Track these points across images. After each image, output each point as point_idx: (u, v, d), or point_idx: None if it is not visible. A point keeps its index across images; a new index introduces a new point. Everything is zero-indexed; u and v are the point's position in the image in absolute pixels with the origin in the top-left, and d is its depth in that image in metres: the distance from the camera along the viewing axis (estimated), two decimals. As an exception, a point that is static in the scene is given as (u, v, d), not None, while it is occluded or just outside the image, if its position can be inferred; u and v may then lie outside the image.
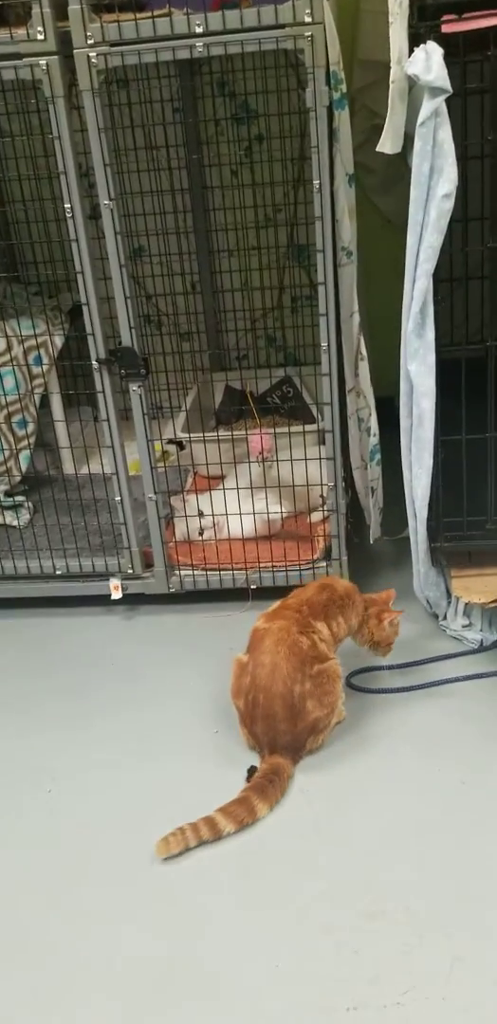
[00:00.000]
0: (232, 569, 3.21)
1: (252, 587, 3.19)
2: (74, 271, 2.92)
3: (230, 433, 3.55)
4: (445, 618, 3.01)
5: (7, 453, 3.61)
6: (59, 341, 3.66)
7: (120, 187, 2.92)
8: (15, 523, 3.59)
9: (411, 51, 2.41)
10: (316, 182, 2.73)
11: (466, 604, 2.92)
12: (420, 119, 2.39)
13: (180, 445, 3.75)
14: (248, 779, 2.51)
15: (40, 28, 2.64)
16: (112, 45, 2.65)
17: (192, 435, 3.59)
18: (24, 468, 3.68)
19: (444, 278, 2.69)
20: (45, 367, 3.64)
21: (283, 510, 3.32)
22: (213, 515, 3.29)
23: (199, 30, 2.60)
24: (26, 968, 2.14)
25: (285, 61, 3.62)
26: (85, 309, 2.95)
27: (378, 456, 3.10)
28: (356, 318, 2.91)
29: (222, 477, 3.43)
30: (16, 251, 4.15)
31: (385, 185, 3.86)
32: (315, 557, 3.20)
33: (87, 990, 2.07)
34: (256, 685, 2.54)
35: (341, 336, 2.93)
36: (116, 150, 2.93)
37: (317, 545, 3.23)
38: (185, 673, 2.99)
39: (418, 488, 2.79)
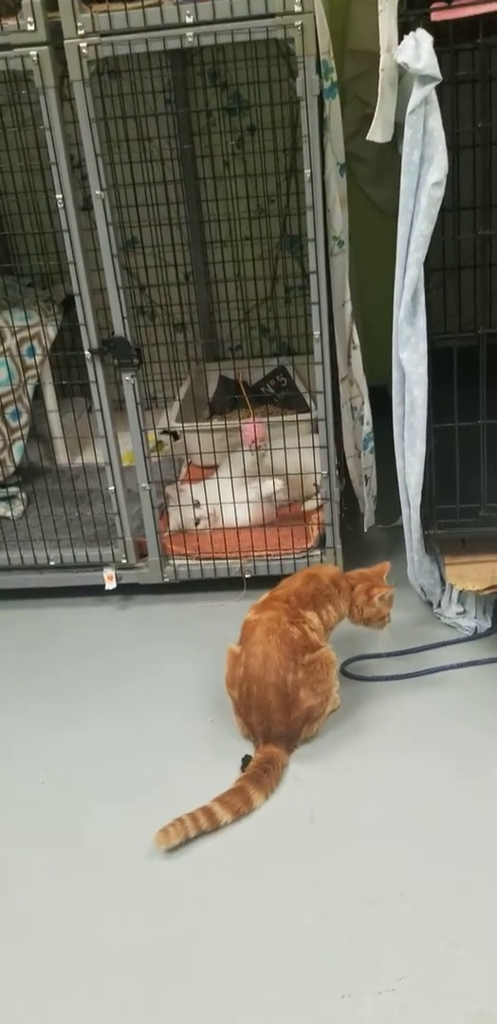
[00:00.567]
0: (226, 558, 3.22)
1: (246, 576, 3.20)
2: (66, 262, 2.92)
3: (224, 423, 3.55)
4: (439, 606, 3.02)
5: (0, 444, 3.60)
6: (52, 332, 3.65)
7: (112, 178, 2.92)
8: (9, 514, 3.59)
9: (401, 39, 2.41)
10: (307, 171, 2.73)
11: (460, 591, 2.92)
12: (410, 107, 2.39)
13: (174, 436, 3.76)
14: (243, 768, 2.52)
15: (30, 18, 2.63)
16: (102, 35, 2.65)
17: (186, 425, 3.59)
18: (18, 459, 3.68)
19: (436, 267, 2.70)
20: (38, 358, 3.64)
21: (282, 486, 3.32)
22: (207, 504, 3.29)
23: (189, 20, 2.60)
24: (21, 958, 2.15)
25: (276, 51, 3.61)
26: (77, 299, 2.95)
27: (372, 444, 3.10)
28: (348, 307, 2.91)
29: (216, 467, 3.44)
30: (9, 243, 4.15)
31: (377, 175, 3.86)
32: (309, 545, 3.20)
33: (83, 978, 2.08)
34: (249, 676, 2.55)
35: (334, 325, 2.94)
36: (108, 141, 2.92)
37: (311, 533, 3.23)
38: (179, 663, 2.99)
39: (411, 476, 2.79)
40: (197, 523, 3.32)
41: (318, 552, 3.18)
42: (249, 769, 2.49)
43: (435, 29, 2.39)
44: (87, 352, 3.00)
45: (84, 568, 3.32)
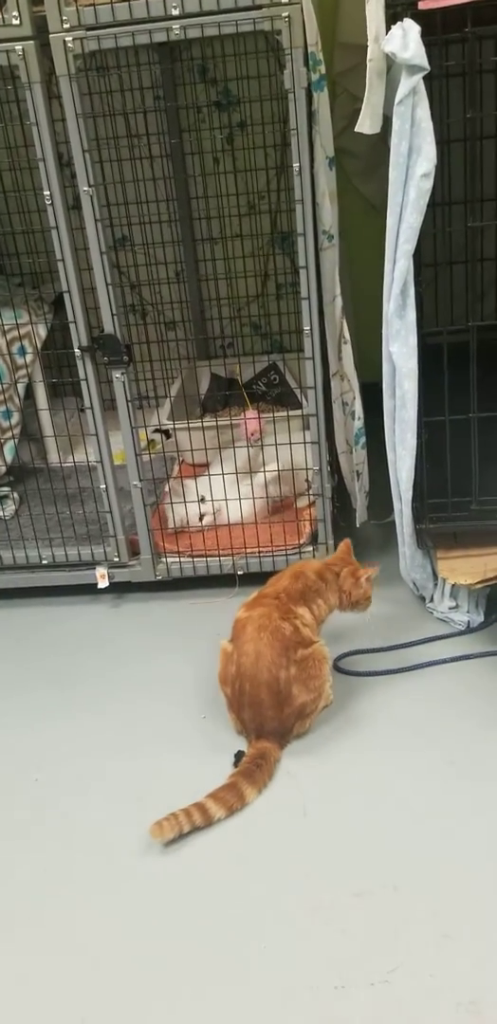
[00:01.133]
0: (219, 555, 3.20)
1: (239, 573, 3.19)
2: (56, 261, 2.91)
3: (215, 421, 3.54)
4: (432, 600, 3.01)
5: (-8, 444, 3.61)
6: (43, 331, 3.65)
7: (102, 176, 2.91)
8: (1, 514, 3.59)
9: (389, 30, 2.40)
10: (296, 165, 2.72)
11: (452, 586, 2.92)
12: (398, 97, 2.38)
13: (166, 434, 3.75)
14: (236, 764, 2.51)
15: (15, 13, 2.63)
16: (88, 29, 2.64)
17: (177, 423, 3.58)
18: (9, 459, 3.67)
19: (427, 263, 2.69)
20: (29, 357, 3.63)
21: (274, 475, 3.31)
22: (213, 500, 3.28)
23: (175, 12, 2.59)
24: (14, 954, 2.14)
25: (266, 46, 3.61)
26: (67, 297, 2.94)
27: (363, 440, 3.09)
28: (339, 302, 2.91)
29: (207, 464, 3.43)
30: (-2, 242, 4.14)
31: (368, 170, 3.86)
32: (301, 542, 3.19)
33: (76, 973, 2.06)
34: (241, 674, 2.54)
35: (324, 320, 2.93)
36: (96, 139, 2.91)
37: (303, 529, 3.22)
38: (172, 660, 2.98)
39: (402, 470, 2.78)
40: (202, 518, 3.30)
41: (310, 548, 3.18)
42: (242, 765, 2.48)
43: (424, 20, 2.38)
44: (77, 350, 2.99)
45: (76, 567, 3.31)
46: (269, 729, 2.53)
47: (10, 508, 3.60)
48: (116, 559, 3.27)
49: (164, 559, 3.27)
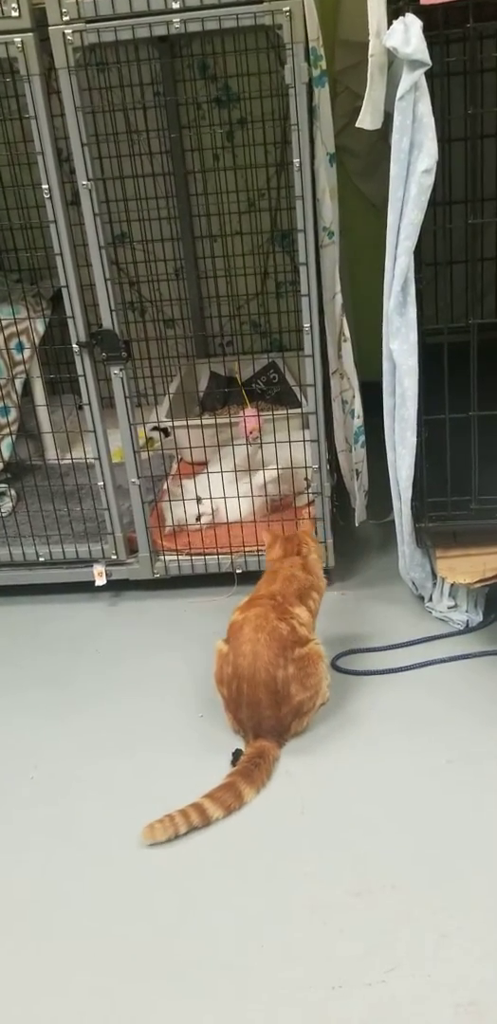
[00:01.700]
0: (217, 554, 3.19)
1: (237, 571, 3.17)
2: (54, 256, 2.89)
3: (214, 419, 3.53)
4: (431, 599, 3.00)
5: (-11, 440, 3.59)
6: (41, 327, 3.64)
7: (101, 171, 2.90)
8: (-2, 511, 3.58)
9: (390, 25, 2.39)
10: (296, 161, 2.70)
11: (451, 585, 2.91)
12: (399, 93, 2.37)
13: (165, 432, 3.73)
14: (233, 763, 2.49)
15: (14, 5, 2.61)
16: (88, 22, 2.62)
17: (176, 422, 3.56)
18: (7, 456, 3.66)
19: (428, 262, 2.68)
20: (27, 353, 3.62)
21: (273, 476, 3.29)
22: (211, 499, 3.26)
23: (176, 6, 2.58)
24: (11, 953, 2.13)
25: (266, 42, 3.60)
26: (65, 292, 2.92)
27: (362, 438, 3.08)
28: (339, 299, 2.90)
29: (206, 462, 3.41)
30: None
31: (368, 169, 3.85)
32: (300, 540, 3.17)
33: (73, 971, 2.05)
34: (239, 675, 2.53)
35: (324, 317, 2.91)
36: (96, 134, 2.90)
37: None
38: (170, 658, 2.97)
39: (402, 468, 2.77)
40: (199, 518, 3.29)
41: (309, 547, 3.16)
42: (240, 764, 2.47)
43: (426, 17, 2.37)
44: (75, 345, 2.98)
45: (74, 564, 3.30)
46: (267, 728, 2.52)
47: (7, 505, 3.59)
48: (114, 557, 3.25)
49: (162, 557, 3.25)
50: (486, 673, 2.73)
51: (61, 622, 3.25)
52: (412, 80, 2.36)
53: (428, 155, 2.44)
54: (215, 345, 4.33)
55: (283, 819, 2.35)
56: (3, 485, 3.64)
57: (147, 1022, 1.94)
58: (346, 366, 2.98)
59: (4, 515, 3.55)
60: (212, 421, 3.64)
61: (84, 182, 2.78)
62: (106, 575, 3.25)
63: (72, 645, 3.12)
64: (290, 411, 3.43)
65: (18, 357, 3.61)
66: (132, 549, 3.26)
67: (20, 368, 3.63)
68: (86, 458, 3.21)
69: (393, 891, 2.12)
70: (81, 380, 3.02)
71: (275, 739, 2.52)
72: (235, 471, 3.26)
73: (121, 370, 2.98)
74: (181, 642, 3.03)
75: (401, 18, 2.36)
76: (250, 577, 3.04)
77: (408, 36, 2.33)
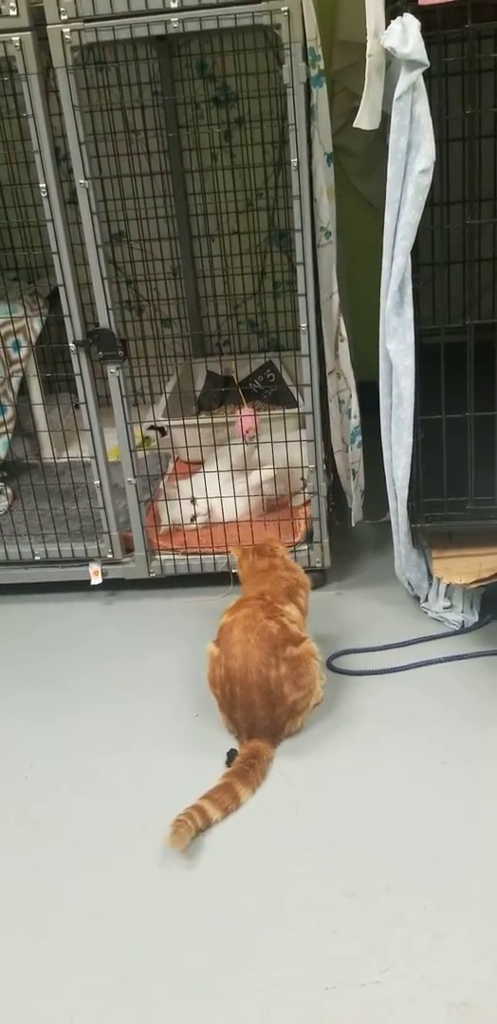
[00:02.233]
0: (213, 553, 3.19)
1: (233, 571, 3.17)
2: (52, 255, 2.89)
3: (210, 419, 3.52)
4: (426, 600, 3.00)
5: (-15, 439, 3.59)
6: (38, 326, 3.63)
7: (98, 170, 2.89)
8: (-6, 509, 3.58)
9: (388, 24, 2.39)
10: (294, 160, 2.70)
11: (447, 585, 2.90)
12: (397, 93, 2.37)
13: (161, 431, 3.73)
14: (228, 763, 2.49)
15: (12, 3, 2.61)
16: (86, 20, 2.62)
17: (172, 421, 3.56)
18: (3, 454, 3.66)
19: (425, 262, 2.68)
20: (23, 352, 3.61)
21: (269, 477, 3.29)
22: (207, 498, 3.26)
23: (174, 5, 2.57)
24: (7, 952, 2.12)
25: (264, 42, 3.59)
26: (62, 290, 2.92)
27: (359, 438, 3.08)
28: (336, 299, 2.89)
29: (202, 462, 3.41)
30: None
31: (365, 169, 3.85)
32: (297, 540, 3.18)
33: (69, 971, 2.05)
34: (231, 677, 2.52)
35: (321, 317, 2.91)
36: (93, 133, 2.89)
37: (298, 528, 3.21)
38: (165, 658, 2.97)
39: (398, 468, 2.77)
40: (194, 519, 3.29)
41: (305, 547, 3.16)
42: (236, 764, 2.46)
43: (424, 17, 2.37)
44: (72, 344, 2.97)
45: (70, 563, 3.29)
46: (261, 729, 2.52)
47: (3, 504, 3.58)
48: (110, 556, 3.25)
49: (158, 556, 3.25)
50: (481, 674, 2.73)
51: (56, 621, 3.24)
52: (410, 80, 2.36)
53: (426, 155, 2.44)
54: (212, 344, 4.32)
55: (278, 819, 2.35)
56: (-1, 484, 3.65)
57: (141, 1021, 1.93)
58: (343, 366, 2.98)
59: (0, 513, 3.54)
60: (209, 420, 3.63)
61: (82, 181, 2.78)
62: (102, 574, 3.25)
63: (67, 644, 3.12)
64: (287, 411, 3.43)
65: (15, 355, 3.60)
66: (128, 548, 3.26)
67: (17, 367, 3.62)
68: (82, 457, 3.21)
69: (387, 892, 2.12)
70: (78, 379, 3.02)
71: (270, 739, 2.52)
72: (231, 471, 3.25)
73: (118, 369, 2.98)
74: (176, 642, 3.03)
75: (399, 18, 2.36)
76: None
77: (406, 36, 2.32)
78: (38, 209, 2.95)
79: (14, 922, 2.19)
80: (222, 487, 3.20)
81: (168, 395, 3.77)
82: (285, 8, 2.54)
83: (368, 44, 2.42)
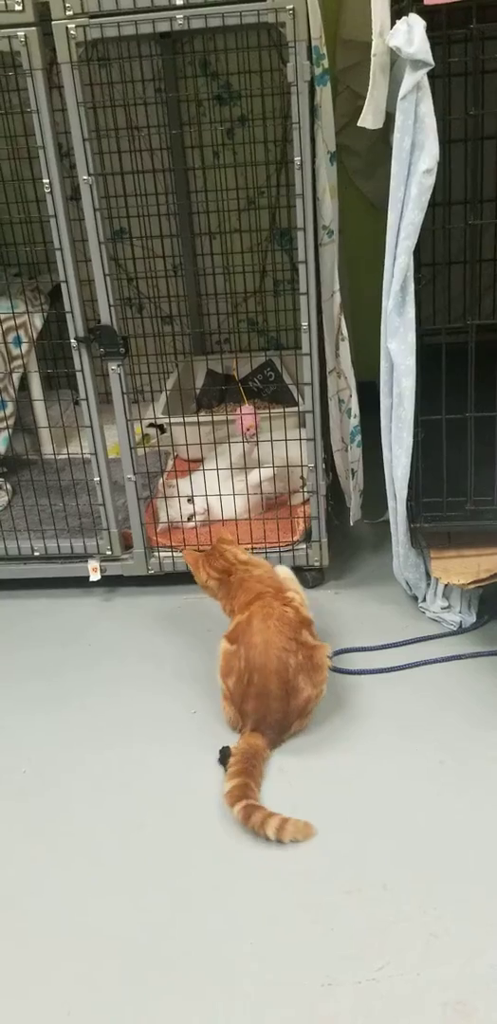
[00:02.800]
0: (212, 552, 3.19)
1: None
2: (54, 251, 2.89)
3: (210, 416, 3.53)
4: (424, 600, 3.00)
5: (-15, 434, 3.59)
6: (39, 322, 3.63)
7: (101, 167, 2.89)
8: (-7, 504, 3.57)
9: (393, 24, 2.39)
10: (297, 159, 2.70)
11: (445, 586, 2.91)
12: (401, 92, 2.37)
13: (161, 429, 3.73)
14: (221, 761, 2.49)
15: (18, -1, 2.62)
16: (91, 16, 2.62)
17: (173, 418, 3.56)
18: (3, 450, 3.66)
19: (427, 262, 2.68)
20: (24, 348, 3.61)
21: (269, 475, 3.29)
22: (207, 496, 3.26)
23: (179, 2, 2.58)
24: (3, 945, 2.12)
25: (268, 40, 3.60)
26: (64, 286, 2.92)
27: (358, 438, 3.08)
28: (337, 298, 2.89)
29: (202, 460, 3.41)
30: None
31: (368, 168, 3.86)
32: (295, 539, 3.18)
33: (65, 965, 2.05)
34: (251, 666, 2.51)
35: (322, 316, 2.92)
36: (97, 129, 2.89)
37: (297, 527, 3.21)
38: (163, 655, 2.97)
39: (398, 468, 2.77)
40: (190, 518, 3.29)
41: (304, 546, 3.16)
42: (235, 764, 2.43)
43: (429, 17, 2.37)
44: (73, 340, 2.97)
45: (69, 559, 3.29)
46: (270, 722, 2.51)
47: (3, 499, 3.58)
48: (109, 552, 3.25)
49: (157, 553, 3.25)
50: (479, 674, 2.74)
51: (55, 617, 3.24)
52: (414, 80, 2.36)
53: (429, 155, 2.44)
54: (212, 342, 4.33)
55: (275, 817, 2.35)
56: (-1, 479, 3.65)
57: (135, 1018, 1.93)
58: (343, 365, 2.98)
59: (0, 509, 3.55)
60: (209, 418, 3.63)
61: (85, 177, 2.78)
62: (100, 571, 3.24)
63: (65, 640, 3.12)
64: (286, 409, 3.43)
65: (16, 351, 3.60)
66: (127, 545, 3.26)
67: (17, 362, 3.62)
68: (82, 453, 3.21)
69: (384, 890, 2.12)
70: (78, 375, 3.01)
71: (274, 736, 2.52)
72: (231, 469, 3.25)
73: (119, 366, 2.98)
74: (175, 639, 3.03)
75: (404, 18, 2.36)
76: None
77: (411, 36, 2.32)
78: (41, 205, 2.96)
79: (8, 913, 2.19)
80: (222, 485, 3.20)
81: (168, 392, 3.77)
82: (290, 7, 2.55)
83: (373, 43, 2.42)
